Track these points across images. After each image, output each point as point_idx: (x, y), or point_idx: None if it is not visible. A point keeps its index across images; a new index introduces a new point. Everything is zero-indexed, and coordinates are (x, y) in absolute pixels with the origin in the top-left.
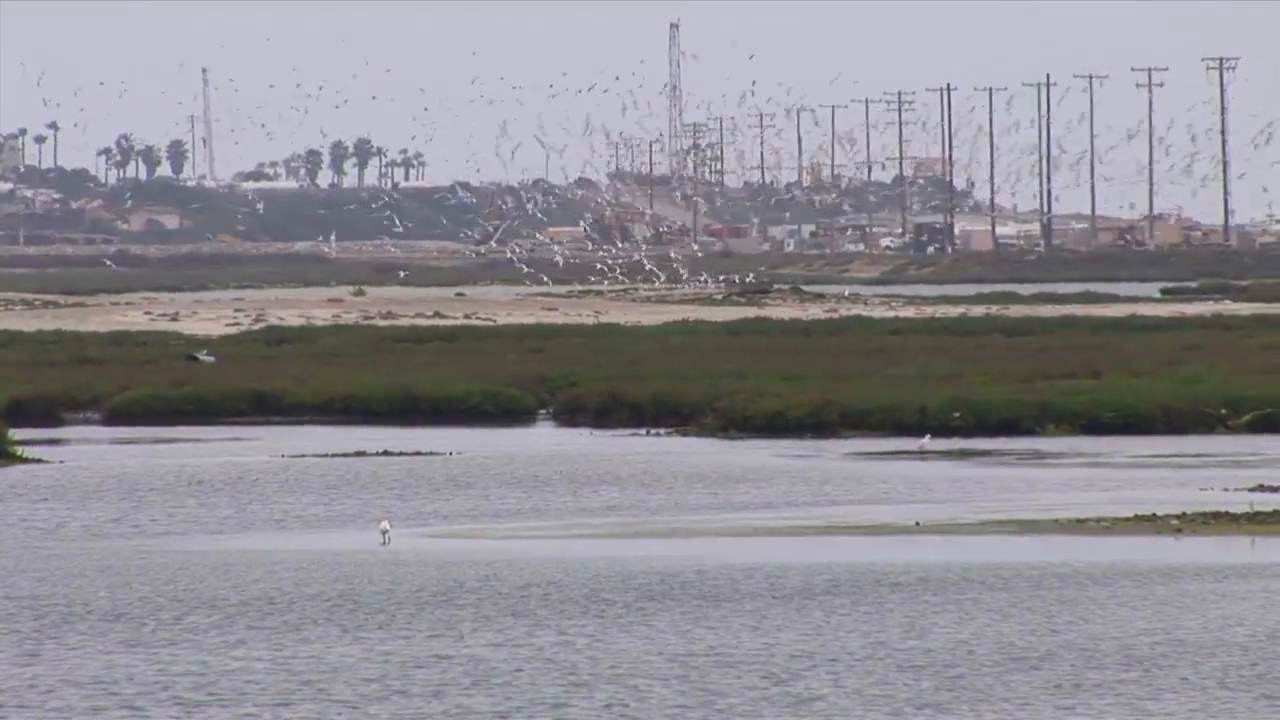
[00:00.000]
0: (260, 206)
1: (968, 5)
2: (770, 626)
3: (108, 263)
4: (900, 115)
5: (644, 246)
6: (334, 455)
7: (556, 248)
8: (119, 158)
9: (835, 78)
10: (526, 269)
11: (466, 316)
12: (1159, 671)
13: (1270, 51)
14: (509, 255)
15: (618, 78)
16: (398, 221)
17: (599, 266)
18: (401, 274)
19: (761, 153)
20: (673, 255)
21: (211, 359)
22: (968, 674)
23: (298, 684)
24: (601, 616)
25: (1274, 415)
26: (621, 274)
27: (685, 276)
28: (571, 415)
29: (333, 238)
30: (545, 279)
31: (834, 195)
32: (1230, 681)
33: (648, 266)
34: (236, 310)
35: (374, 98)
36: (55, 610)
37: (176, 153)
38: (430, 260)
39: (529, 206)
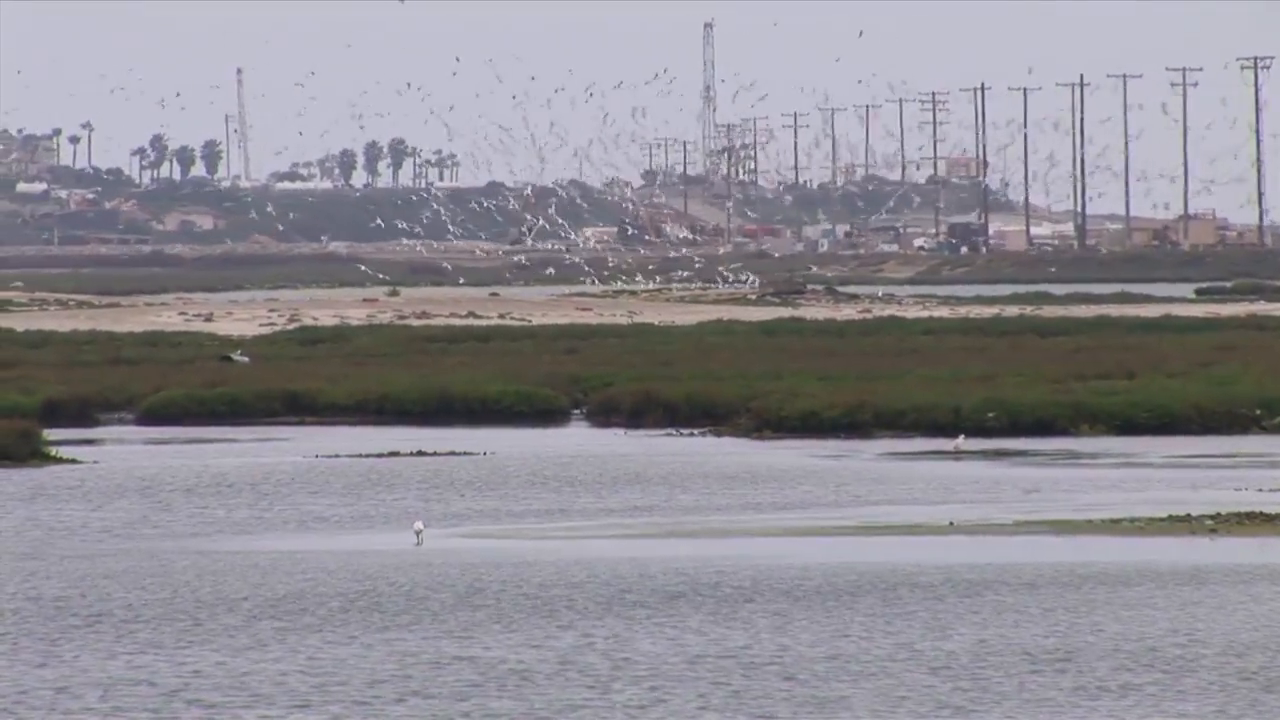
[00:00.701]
0: (294, 210)
1: (1002, 5)
2: (797, 628)
3: (179, 248)
4: (935, 115)
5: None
6: (368, 456)
7: (597, 247)
8: (153, 158)
9: (869, 78)
10: (614, 263)
11: (501, 317)
12: (1186, 674)
13: None
14: (572, 258)
15: (657, 76)
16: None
17: (685, 272)
18: (461, 281)
19: (795, 153)
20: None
21: (246, 359)
22: (992, 676)
23: (313, 686)
24: (627, 617)
25: None
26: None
27: (747, 280)
28: (605, 415)
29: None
30: (639, 277)
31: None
32: (1259, 684)
33: (729, 267)
34: (271, 310)
35: (477, 95)
36: (80, 611)
37: (211, 153)
38: (465, 261)
39: (555, 207)
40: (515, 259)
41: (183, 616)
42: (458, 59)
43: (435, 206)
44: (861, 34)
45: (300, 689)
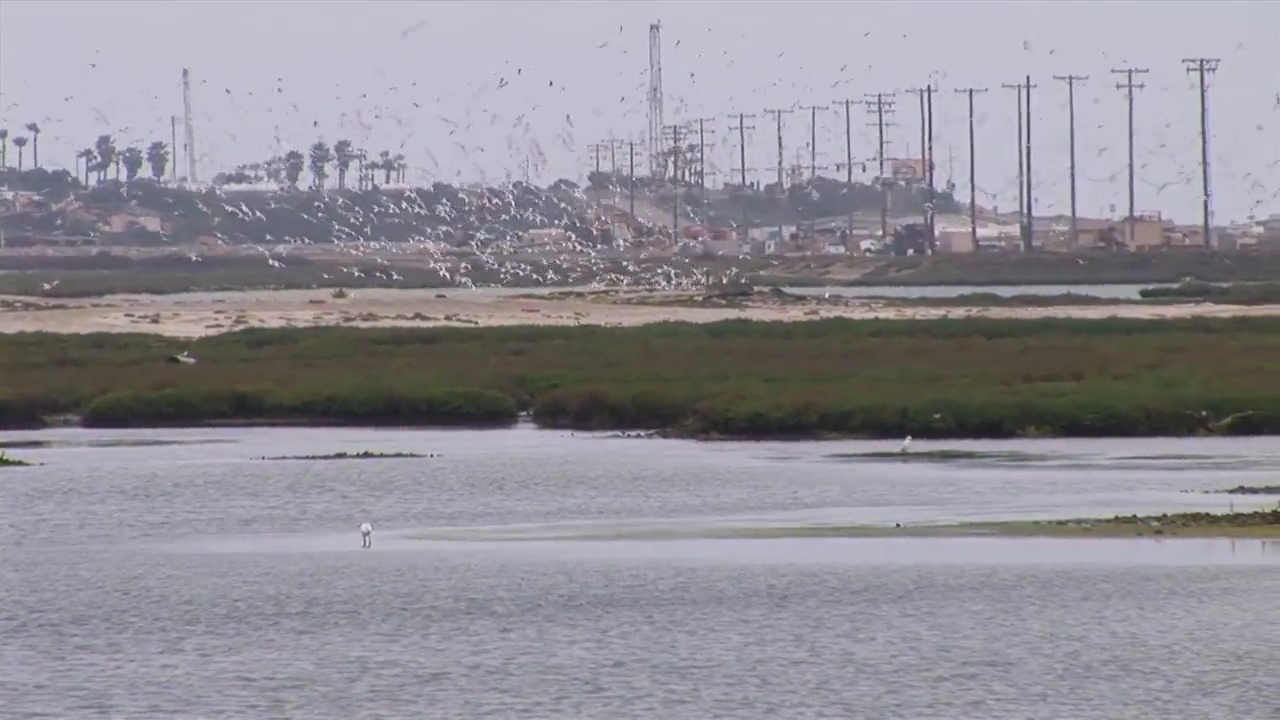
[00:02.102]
0: (244, 208)
1: (948, 5)
2: (734, 631)
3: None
4: (881, 117)
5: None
6: (315, 457)
7: (540, 249)
8: (99, 160)
9: (815, 79)
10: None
11: (448, 318)
12: (1130, 677)
13: (1253, 51)
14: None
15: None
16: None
17: (664, 270)
18: (470, 287)
19: (743, 155)
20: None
21: (192, 361)
22: (928, 680)
23: (223, 690)
24: (555, 620)
25: (1254, 417)
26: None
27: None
28: (552, 417)
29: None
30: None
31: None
32: (1192, 686)
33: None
34: (217, 312)
35: (417, 104)
36: (15, 612)
37: (157, 155)
38: (412, 262)
39: (509, 208)
40: (463, 262)
41: (104, 619)
42: (392, 87)
43: (380, 208)
44: (867, 33)
45: (211, 694)
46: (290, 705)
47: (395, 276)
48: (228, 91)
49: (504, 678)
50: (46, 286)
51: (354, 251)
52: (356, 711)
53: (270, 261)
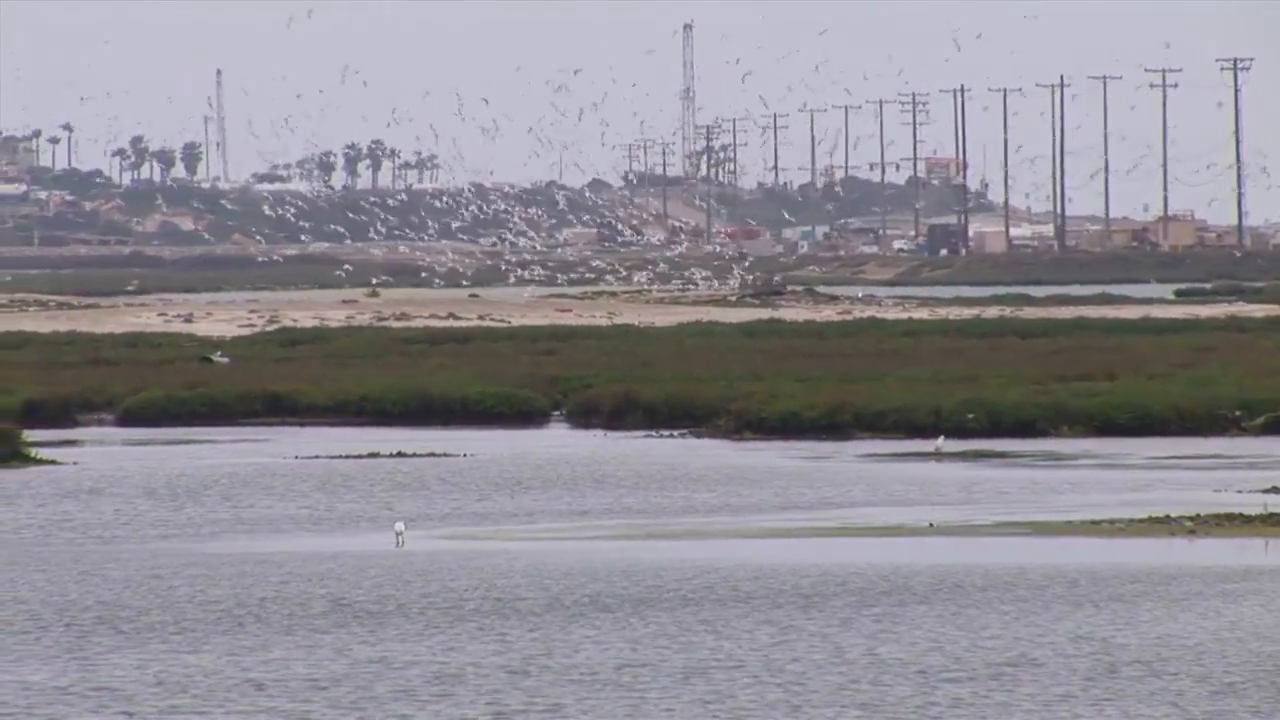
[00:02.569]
0: (289, 209)
1: (979, 6)
2: (768, 630)
3: (165, 250)
4: (915, 117)
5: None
6: (348, 457)
7: (567, 250)
8: (133, 159)
9: (848, 78)
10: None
11: (481, 318)
12: (1150, 677)
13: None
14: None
15: (631, 84)
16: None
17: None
18: (528, 291)
19: (775, 154)
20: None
21: (226, 360)
22: (964, 681)
23: (234, 689)
24: (578, 619)
25: None
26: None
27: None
28: (585, 417)
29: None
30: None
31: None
32: (1218, 687)
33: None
34: (251, 312)
35: (459, 105)
36: (41, 612)
37: (190, 154)
38: (445, 261)
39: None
40: (504, 261)
41: (130, 619)
42: (427, 92)
43: (415, 205)
44: (823, 32)
45: (235, 694)
46: (316, 704)
47: (465, 283)
48: (298, 96)
49: (529, 677)
50: (130, 287)
51: (443, 255)
52: (382, 710)
53: (343, 268)
